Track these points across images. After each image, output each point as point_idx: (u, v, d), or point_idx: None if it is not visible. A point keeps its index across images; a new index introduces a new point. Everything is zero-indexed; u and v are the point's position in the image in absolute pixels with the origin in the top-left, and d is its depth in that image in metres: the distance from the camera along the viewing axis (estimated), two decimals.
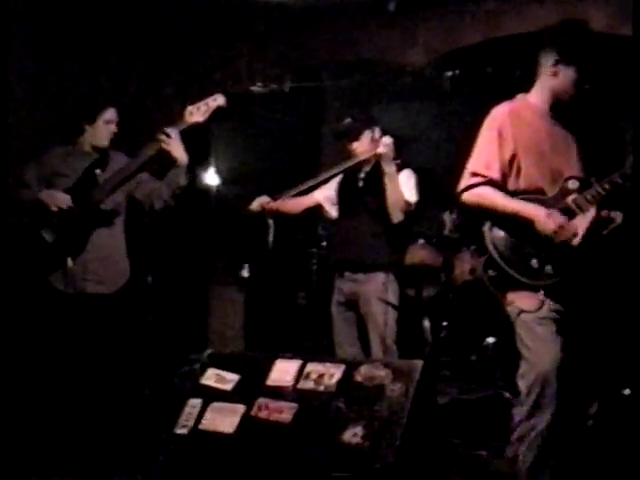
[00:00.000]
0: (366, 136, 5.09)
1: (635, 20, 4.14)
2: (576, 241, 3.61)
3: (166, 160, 4.94)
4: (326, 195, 5.30)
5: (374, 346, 4.98)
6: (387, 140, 4.87)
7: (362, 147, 5.07)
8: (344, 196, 5.26)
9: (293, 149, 8.23)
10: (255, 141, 7.99)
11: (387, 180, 4.89)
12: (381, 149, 4.85)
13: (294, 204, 5.34)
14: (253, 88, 6.87)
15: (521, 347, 3.66)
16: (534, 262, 3.64)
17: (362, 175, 5.15)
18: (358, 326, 5.12)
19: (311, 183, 5.20)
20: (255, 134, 8.00)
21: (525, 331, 3.64)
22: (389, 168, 4.88)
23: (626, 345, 5.34)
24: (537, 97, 3.86)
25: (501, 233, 3.71)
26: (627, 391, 5.30)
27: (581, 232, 3.62)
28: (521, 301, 3.65)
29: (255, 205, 5.33)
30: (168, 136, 4.85)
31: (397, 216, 4.93)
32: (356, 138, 5.09)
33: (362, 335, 5.10)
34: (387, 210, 4.92)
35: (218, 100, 4.92)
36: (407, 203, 4.95)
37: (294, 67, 7.34)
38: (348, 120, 5.25)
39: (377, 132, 5.11)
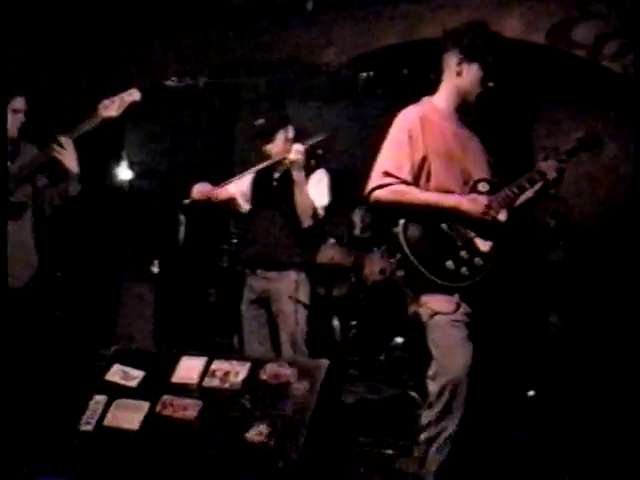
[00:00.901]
0: (280, 136, 5.09)
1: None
2: (503, 216, 3.68)
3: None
4: (241, 190, 5.27)
5: (284, 345, 4.97)
6: (298, 147, 4.87)
7: (276, 148, 5.08)
8: (258, 194, 5.24)
9: (207, 145, 8.18)
10: (169, 136, 7.96)
11: (296, 188, 4.91)
12: (292, 156, 4.86)
13: (215, 195, 5.27)
14: (167, 83, 6.84)
15: (433, 349, 3.60)
16: (450, 264, 3.61)
17: (276, 175, 5.14)
18: (269, 324, 5.12)
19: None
20: (169, 129, 7.97)
21: (438, 333, 3.60)
22: (298, 176, 4.89)
23: (531, 348, 5.46)
24: (443, 99, 3.89)
25: (417, 234, 3.66)
26: (531, 393, 5.42)
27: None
28: (436, 303, 3.60)
29: (196, 193, 5.17)
30: (61, 146, 4.76)
31: (306, 221, 4.95)
32: (270, 139, 5.09)
33: (272, 333, 5.09)
34: (297, 215, 4.95)
35: (133, 95, 4.85)
36: (315, 209, 4.97)
37: (209, 63, 7.32)
38: (261, 120, 5.21)
39: (290, 132, 5.12)
